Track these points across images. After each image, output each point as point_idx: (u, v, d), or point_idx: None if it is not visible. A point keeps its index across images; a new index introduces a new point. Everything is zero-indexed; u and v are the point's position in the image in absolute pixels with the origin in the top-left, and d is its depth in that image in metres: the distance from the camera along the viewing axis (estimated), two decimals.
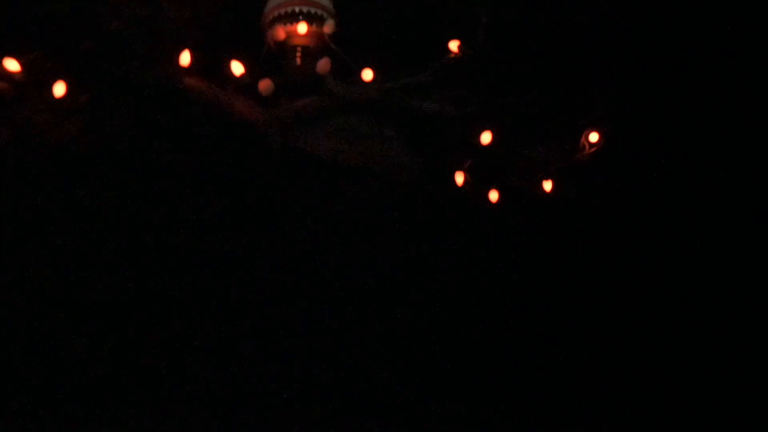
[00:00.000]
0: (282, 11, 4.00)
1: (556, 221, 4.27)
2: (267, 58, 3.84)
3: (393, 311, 3.86)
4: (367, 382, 3.72)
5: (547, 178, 4.22)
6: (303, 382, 3.66)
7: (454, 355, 3.92)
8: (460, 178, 4.07)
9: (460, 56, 3.95)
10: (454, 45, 3.99)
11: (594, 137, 4.24)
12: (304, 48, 3.97)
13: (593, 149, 4.27)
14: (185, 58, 3.84)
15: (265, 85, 3.74)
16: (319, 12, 4.00)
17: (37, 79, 3.64)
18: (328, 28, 3.97)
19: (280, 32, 3.95)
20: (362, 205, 3.69)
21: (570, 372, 4.06)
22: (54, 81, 3.59)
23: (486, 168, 4.11)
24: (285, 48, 3.96)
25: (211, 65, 3.87)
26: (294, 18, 3.99)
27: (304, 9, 3.99)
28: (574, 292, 4.26)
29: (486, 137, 3.90)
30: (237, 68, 3.72)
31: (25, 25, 3.83)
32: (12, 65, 3.65)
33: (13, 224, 3.67)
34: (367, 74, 3.91)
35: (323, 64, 3.78)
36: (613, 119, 4.31)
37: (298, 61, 3.92)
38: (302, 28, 3.95)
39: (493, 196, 4.09)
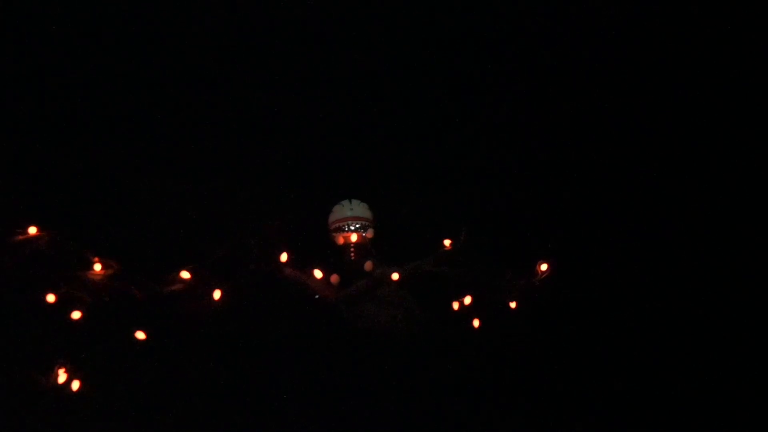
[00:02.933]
0: (339, 225, 6.51)
1: (522, 330, 6.76)
2: (333, 259, 6.37)
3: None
4: None
5: (512, 300, 6.73)
6: None
7: None
8: (456, 305, 6.58)
9: (450, 248, 6.47)
10: (447, 242, 6.51)
11: (544, 267, 6.73)
12: (356, 245, 6.48)
13: (544, 275, 6.79)
14: (284, 257, 6.36)
15: (335, 278, 6.27)
16: (364, 223, 6.50)
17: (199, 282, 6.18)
18: (370, 234, 6.48)
19: (340, 239, 6.46)
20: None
21: None
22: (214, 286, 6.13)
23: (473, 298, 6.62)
24: (344, 247, 6.48)
25: (300, 260, 6.41)
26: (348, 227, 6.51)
27: (353, 225, 6.52)
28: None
29: (467, 299, 6.41)
30: (317, 274, 6.26)
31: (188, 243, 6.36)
32: (185, 275, 6.17)
33: None
34: (368, 265, 6.38)
35: (368, 265, 6.29)
36: (557, 255, 6.81)
37: (353, 257, 6.43)
38: (354, 237, 6.45)
39: (476, 323, 6.60)
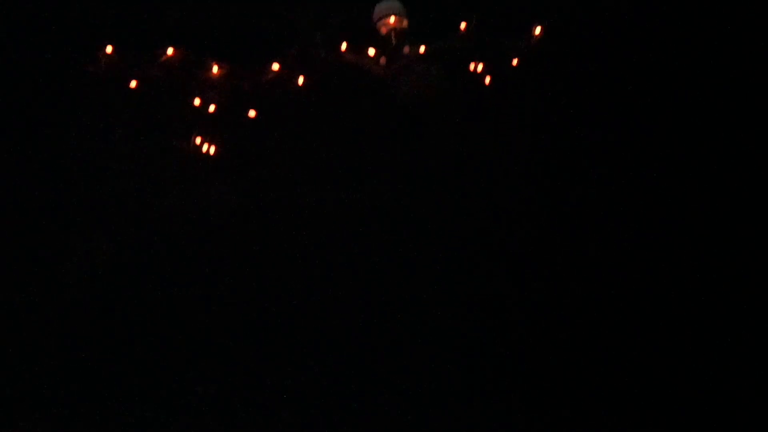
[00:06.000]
0: (381, 15, 8.83)
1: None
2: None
3: None
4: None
5: (514, 57, 9.14)
6: None
7: None
8: (472, 66, 9.03)
9: (465, 31, 8.82)
10: (463, 25, 8.82)
11: (538, 30, 9.08)
12: (396, 32, 8.81)
13: (538, 36, 9.14)
14: (344, 46, 8.75)
15: (383, 60, 8.69)
16: (399, 11, 8.81)
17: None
18: (405, 23, 8.80)
19: (383, 28, 8.81)
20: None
21: None
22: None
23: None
24: (386, 34, 8.82)
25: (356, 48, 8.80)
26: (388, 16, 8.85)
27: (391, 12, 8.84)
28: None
29: (479, 67, 8.83)
30: (371, 51, 8.69)
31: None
32: (275, 66, 8.62)
33: None
34: (406, 49, 8.75)
35: (406, 49, 8.60)
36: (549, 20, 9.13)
37: (394, 41, 8.79)
38: (392, 19, 8.80)
39: (487, 79, 9.06)
